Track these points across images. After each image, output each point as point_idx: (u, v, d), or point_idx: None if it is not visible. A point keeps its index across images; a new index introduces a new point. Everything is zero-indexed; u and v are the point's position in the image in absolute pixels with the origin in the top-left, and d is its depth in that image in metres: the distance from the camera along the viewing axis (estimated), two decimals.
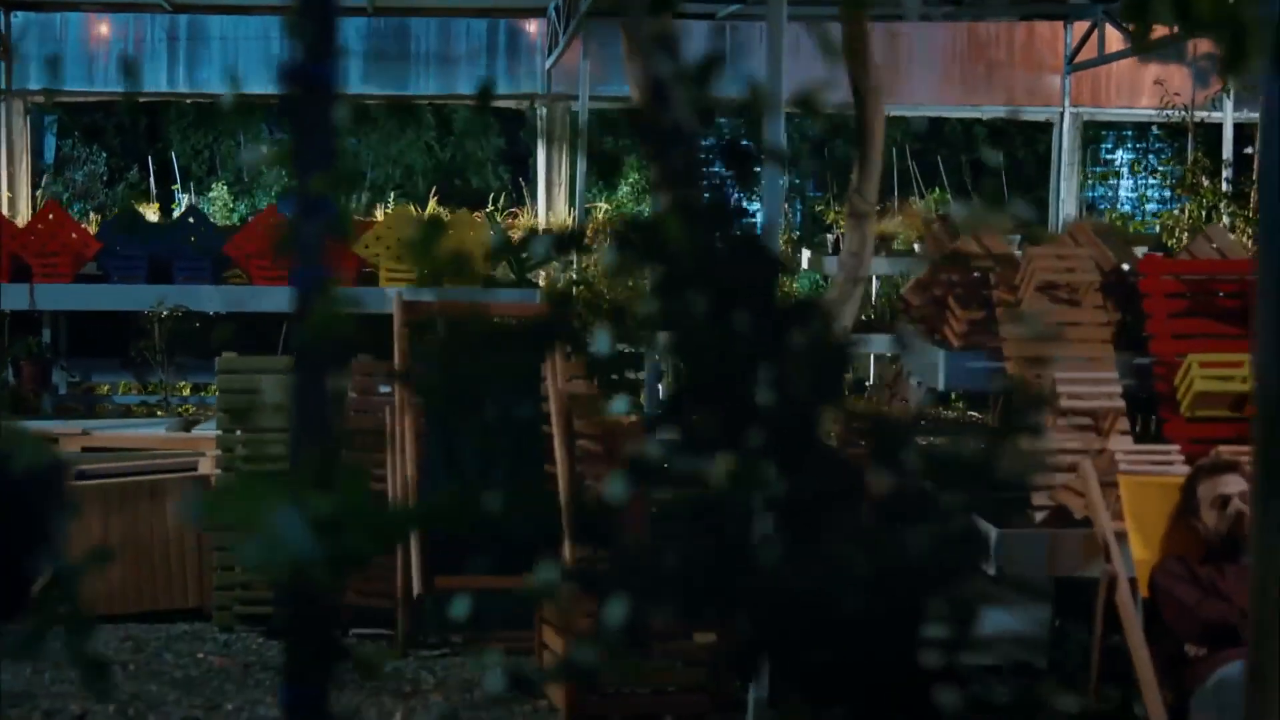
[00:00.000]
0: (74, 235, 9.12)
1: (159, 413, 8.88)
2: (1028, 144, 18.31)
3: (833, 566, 1.68)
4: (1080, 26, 12.84)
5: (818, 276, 11.98)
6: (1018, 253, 6.35)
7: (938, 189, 14.73)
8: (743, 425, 1.67)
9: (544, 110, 12.41)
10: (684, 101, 1.72)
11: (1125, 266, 6.45)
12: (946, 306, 6.16)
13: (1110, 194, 18.54)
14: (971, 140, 18.72)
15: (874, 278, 11.40)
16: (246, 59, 12.03)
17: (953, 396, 11.05)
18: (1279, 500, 1.90)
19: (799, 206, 18.79)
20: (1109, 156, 19.63)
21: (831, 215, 11.96)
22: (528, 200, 12.80)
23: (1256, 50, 1.68)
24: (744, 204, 1.81)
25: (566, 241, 1.84)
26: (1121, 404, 5.74)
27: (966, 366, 5.94)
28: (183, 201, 13.79)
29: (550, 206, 12.41)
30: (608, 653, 1.62)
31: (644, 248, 1.74)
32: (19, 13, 12.05)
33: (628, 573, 1.65)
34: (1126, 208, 17.62)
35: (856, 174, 5.84)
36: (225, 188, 16.56)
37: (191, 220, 9.43)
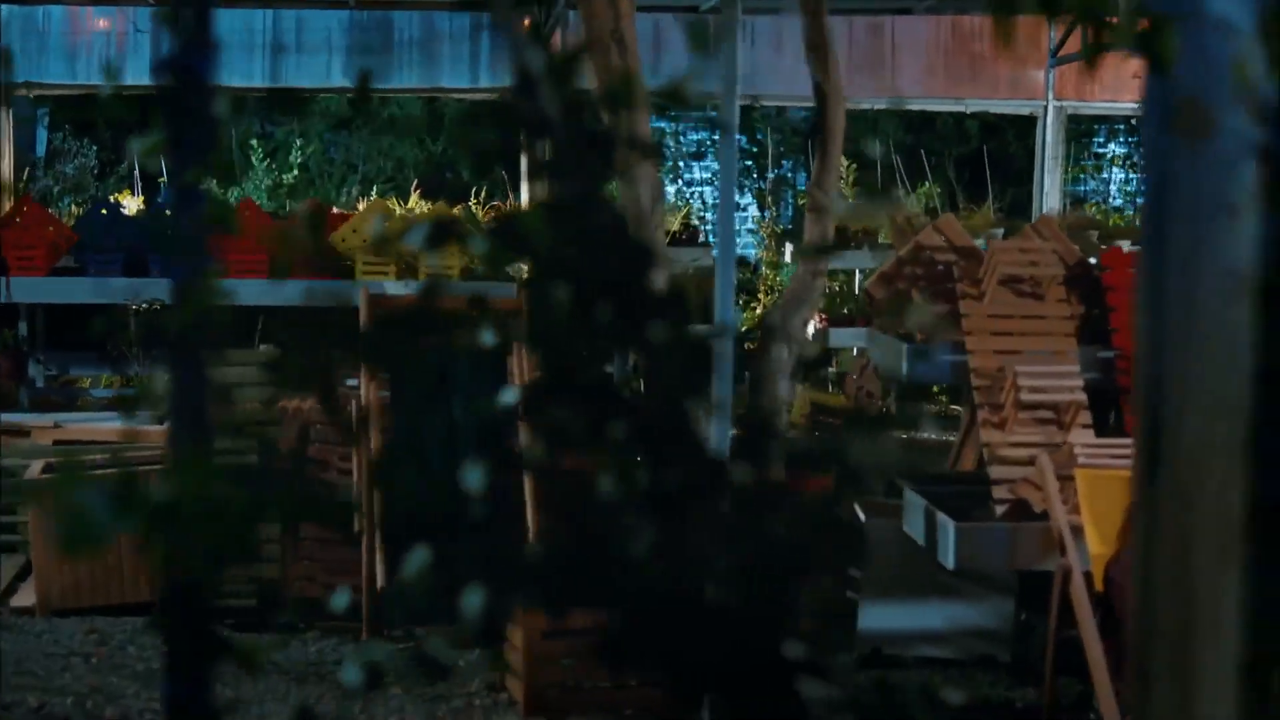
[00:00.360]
0: (51, 228, 9.11)
1: None
2: (1019, 137, 18.28)
3: (694, 558, 1.68)
4: (1065, 19, 12.81)
5: None
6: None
7: (926, 183, 14.71)
8: (605, 418, 1.67)
9: None
10: (550, 94, 1.72)
11: (1092, 260, 6.45)
12: (910, 300, 6.17)
13: (1102, 188, 18.50)
14: (964, 134, 18.67)
15: (857, 271, 11.37)
16: (228, 50, 11.99)
17: (935, 389, 11.05)
18: (1159, 491, 1.88)
19: (790, 199, 18.75)
20: (1101, 150, 19.59)
21: None
22: (511, 194, 12.79)
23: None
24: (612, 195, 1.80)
25: (442, 231, 1.83)
26: (1083, 397, 5.74)
27: (929, 359, 5.94)
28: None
29: (534, 199, 12.41)
30: (460, 643, 1.62)
31: (508, 240, 1.73)
32: (2, 5, 12.04)
33: (484, 563, 1.64)
34: (1118, 201, 17.58)
35: (816, 168, 5.87)
36: (215, 180, 16.52)
37: (168, 213, 9.41)
